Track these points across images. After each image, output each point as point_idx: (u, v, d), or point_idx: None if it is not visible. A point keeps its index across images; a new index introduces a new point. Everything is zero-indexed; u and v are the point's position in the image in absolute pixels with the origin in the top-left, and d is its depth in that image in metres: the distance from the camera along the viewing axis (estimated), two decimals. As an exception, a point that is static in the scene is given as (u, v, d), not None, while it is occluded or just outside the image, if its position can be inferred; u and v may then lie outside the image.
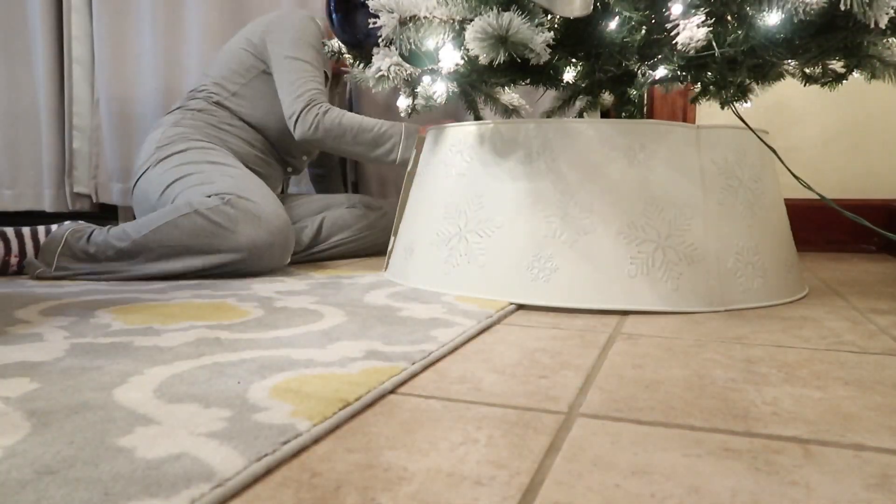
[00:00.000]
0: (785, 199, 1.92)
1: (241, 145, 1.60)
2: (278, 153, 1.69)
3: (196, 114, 1.58)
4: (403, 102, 1.29)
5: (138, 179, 1.51)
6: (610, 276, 1.03)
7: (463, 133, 1.18)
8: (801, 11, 0.90)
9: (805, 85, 1.23)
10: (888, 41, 1.05)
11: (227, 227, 1.27)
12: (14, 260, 1.32)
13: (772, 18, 0.94)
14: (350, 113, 1.55)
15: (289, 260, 1.38)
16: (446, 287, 1.14)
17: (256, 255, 1.28)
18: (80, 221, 1.38)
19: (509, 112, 1.38)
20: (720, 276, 1.05)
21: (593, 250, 1.04)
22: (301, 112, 1.52)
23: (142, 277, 1.28)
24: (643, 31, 1.01)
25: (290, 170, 1.77)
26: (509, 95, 1.35)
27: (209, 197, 1.33)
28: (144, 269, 1.28)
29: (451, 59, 1.01)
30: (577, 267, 1.04)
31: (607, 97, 1.42)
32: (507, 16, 0.89)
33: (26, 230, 1.33)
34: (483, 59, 0.93)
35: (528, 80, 1.23)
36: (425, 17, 0.97)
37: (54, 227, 1.34)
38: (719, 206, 1.07)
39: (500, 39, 0.90)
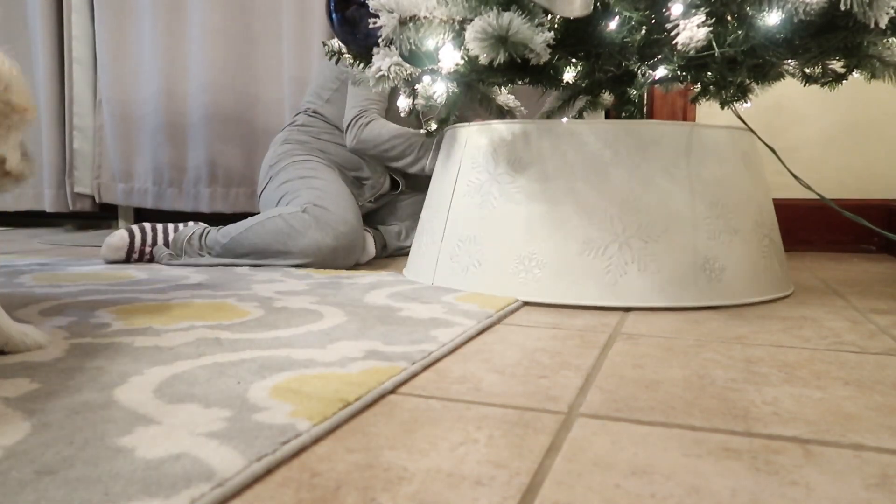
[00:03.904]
0: (785, 199, 1.92)
1: (339, 150, 1.74)
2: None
3: (300, 129, 1.77)
4: (403, 102, 1.29)
5: (262, 192, 1.73)
6: (586, 273, 1.05)
7: (466, 133, 1.20)
8: (801, 11, 0.90)
9: (805, 85, 1.23)
10: (888, 41, 1.05)
11: (300, 230, 1.45)
12: (148, 249, 1.56)
13: (772, 18, 0.94)
14: (392, 124, 1.65)
15: (355, 261, 1.50)
16: (447, 283, 1.17)
17: (321, 257, 1.44)
18: (201, 223, 1.65)
19: (504, 113, 1.38)
20: (692, 272, 1.05)
21: (573, 249, 1.06)
22: (350, 123, 1.66)
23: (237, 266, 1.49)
24: (643, 31, 1.01)
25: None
26: (505, 97, 1.36)
27: (290, 204, 1.54)
28: (236, 262, 1.50)
29: (451, 59, 1.01)
30: (559, 265, 1.06)
31: (607, 97, 1.42)
32: (507, 16, 0.89)
33: (160, 227, 1.60)
34: (483, 59, 0.93)
35: (527, 80, 1.23)
36: (425, 17, 0.97)
37: (181, 226, 1.63)
38: (690, 207, 1.07)
39: (500, 39, 0.90)
